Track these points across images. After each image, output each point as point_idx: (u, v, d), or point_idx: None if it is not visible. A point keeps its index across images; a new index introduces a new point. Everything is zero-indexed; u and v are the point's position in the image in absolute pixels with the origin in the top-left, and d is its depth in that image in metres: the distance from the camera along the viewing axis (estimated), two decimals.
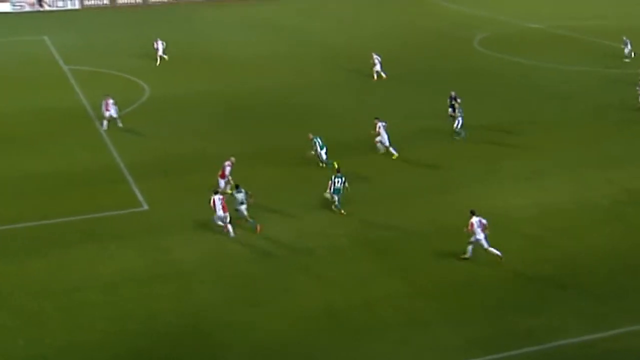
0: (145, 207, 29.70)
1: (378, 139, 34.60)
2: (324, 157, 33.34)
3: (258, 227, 27.35)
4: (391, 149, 34.52)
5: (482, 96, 44.47)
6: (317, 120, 39.69)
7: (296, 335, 21.40)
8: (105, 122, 38.11)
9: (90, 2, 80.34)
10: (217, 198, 27.02)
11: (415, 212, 29.00)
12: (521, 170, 33.08)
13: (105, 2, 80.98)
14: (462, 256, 25.24)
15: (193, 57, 55.40)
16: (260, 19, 72.47)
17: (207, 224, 27.89)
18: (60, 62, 54.04)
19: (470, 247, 25.13)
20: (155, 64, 52.07)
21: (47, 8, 78.02)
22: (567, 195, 30.48)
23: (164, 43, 53.47)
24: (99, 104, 39.27)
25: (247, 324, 21.87)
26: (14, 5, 77.56)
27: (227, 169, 30.26)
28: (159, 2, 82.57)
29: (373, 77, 48.23)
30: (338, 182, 28.51)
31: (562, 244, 26.47)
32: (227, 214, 26.94)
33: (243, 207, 27.52)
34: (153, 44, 53.43)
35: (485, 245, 24.90)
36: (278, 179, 32.29)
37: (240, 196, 27.49)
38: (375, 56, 48.79)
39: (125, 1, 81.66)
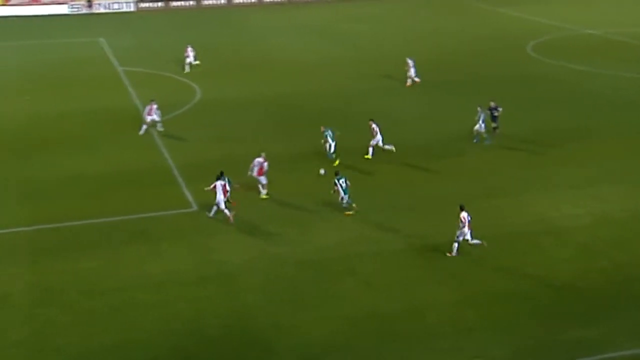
0: (195, 208, 30.09)
1: (373, 142, 34.88)
2: (332, 150, 34.23)
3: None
4: (386, 146, 34.84)
5: (535, 102, 43.93)
6: (365, 125, 39.75)
7: (341, 341, 21.44)
8: (144, 127, 38.42)
9: (145, 5, 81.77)
10: (219, 184, 28.54)
11: None
12: (573, 178, 32.61)
13: (159, 4, 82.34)
14: (448, 254, 25.65)
15: (245, 60, 55.94)
16: (313, 23, 72.78)
17: (255, 226, 28.19)
18: (115, 63, 55.11)
19: (456, 245, 25.60)
20: (183, 72, 51.22)
21: (95, 10, 79.48)
22: (620, 205, 29.92)
23: (195, 50, 52.65)
24: (151, 103, 39.84)
25: (291, 327, 22.00)
26: (71, 8, 79.33)
27: (265, 165, 30.58)
28: (212, 4, 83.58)
29: (406, 82, 47.92)
30: (343, 183, 28.98)
31: (613, 254, 26.01)
32: (225, 199, 28.50)
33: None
34: (184, 51, 52.46)
35: (470, 239, 25.41)
36: (327, 183, 32.35)
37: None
38: (409, 61, 48.51)
39: (179, 4, 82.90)
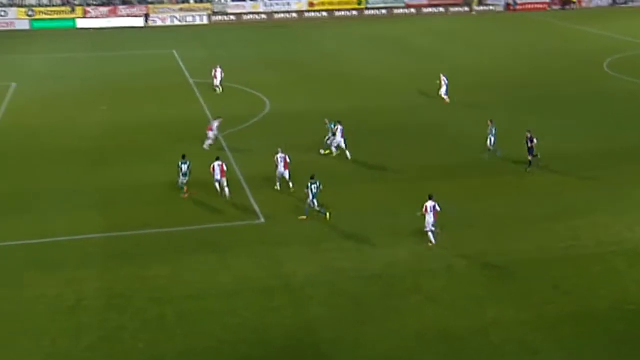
0: (262, 219, 30.51)
1: (334, 142, 37.03)
2: (333, 144, 37.00)
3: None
4: (347, 152, 36.90)
5: (610, 120, 43.06)
6: (437, 141, 39.72)
7: (405, 357, 21.42)
8: (208, 142, 38.66)
9: (217, 18, 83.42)
10: (217, 164, 32.00)
11: (533, 237, 28.40)
12: None
13: (231, 18, 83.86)
14: (429, 244, 27.47)
15: (315, 74, 56.48)
16: (386, 37, 73.00)
17: (321, 239, 28.43)
18: (187, 75, 56.35)
19: (430, 235, 27.61)
20: (216, 93, 50.21)
21: (169, 23, 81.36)
22: None
23: (223, 72, 50.77)
24: (215, 119, 40.53)
25: (355, 341, 22.08)
26: (147, 20, 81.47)
27: (287, 158, 32.78)
28: (284, 18, 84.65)
29: (443, 99, 47.45)
30: (315, 188, 29.76)
31: None
32: (225, 179, 31.89)
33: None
34: (211, 72, 50.91)
35: (432, 229, 27.68)
36: (397, 197, 32.42)
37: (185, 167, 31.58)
38: (442, 78, 48.18)
39: (251, 17, 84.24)
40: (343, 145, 37.04)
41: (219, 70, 50.50)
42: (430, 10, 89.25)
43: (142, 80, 53.71)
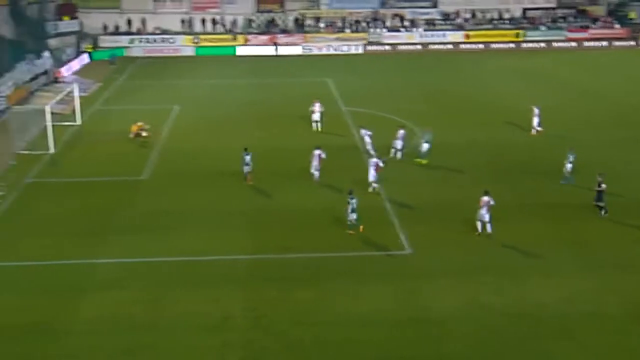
0: (408, 250, 30.26)
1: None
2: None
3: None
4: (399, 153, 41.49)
5: None
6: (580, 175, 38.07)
7: None
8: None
9: (372, 48, 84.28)
10: (316, 153, 37.21)
11: None
12: None
13: (386, 48, 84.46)
14: (476, 233, 30.19)
15: (467, 105, 55.78)
16: (542, 71, 71.03)
17: (468, 273, 27.83)
18: (340, 103, 57.16)
19: (478, 223, 30.68)
20: (314, 130, 49.20)
21: (325, 51, 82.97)
22: None
23: (323, 106, 49.58)
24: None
25: None
26: (304, 49, 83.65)
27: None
28: (439, 49, 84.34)
29: (531, 131, 46.80)
30: (354, 203, 31.30)
31: None
32: (318, 166, 36.67)
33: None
34: (311, 106, 49.65)
35: (488, 223, 30.58)
36: (548, 235, 31.26)
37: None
38: (535, 109, 46.96)
39: (406, 48, 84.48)
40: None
41: (317, 105, 49.43)
42: (592, 44, 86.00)
43: (295, 106, 54.82)
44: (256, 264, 29.33)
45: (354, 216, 31.45)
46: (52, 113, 46.08)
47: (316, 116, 48.83)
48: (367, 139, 42.30)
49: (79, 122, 51.04)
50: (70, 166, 41.94)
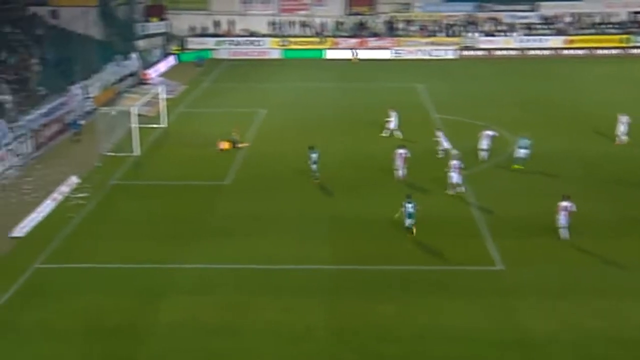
0: (500, 266, 29.69)
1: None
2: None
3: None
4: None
5: None
6: None
7: None
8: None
9: (466, 53, 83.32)
10: (400, 152, 38.83)
11: None
12: None
13: (481, 53, 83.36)
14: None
15: (565, 113, 54.50)
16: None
17: (565, 292, 27.14)
18: (431, 109, 56.69)
19: (560, 231, 31.39)
20: (385, 135, 48.69)
21: (415, 56, 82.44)
22: None
23: (398, 116, 48.73)
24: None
25: None
26: (394, 53, 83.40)
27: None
28: (538, 55, 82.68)
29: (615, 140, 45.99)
30: (410, 207, 31.89)
31: None
32: (402, 165, 38.73)
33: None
34: (388, 114, 49.29)
35: (563, 229, 31.40)
36: None
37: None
38: (621, 118, 45.97)
39: (502, 53, 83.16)
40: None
41: (393, 113, 49.19)
42: None
43: (383, 112, 54.66)
44: (338, 274, 29.33)
45: (410, 221, 32.06)
46: (138, 115, 47.46)
47: (392, 124, 48.76)
48: (443, 141, 43.25)
49: (164, 124, 52.37)
50: (154, 169, 43.05)
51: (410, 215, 32.08)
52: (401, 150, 39.57)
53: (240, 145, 46.57)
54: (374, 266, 29.96)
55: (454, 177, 37.02)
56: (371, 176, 40.72)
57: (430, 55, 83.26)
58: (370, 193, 38.15)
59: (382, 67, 77.32)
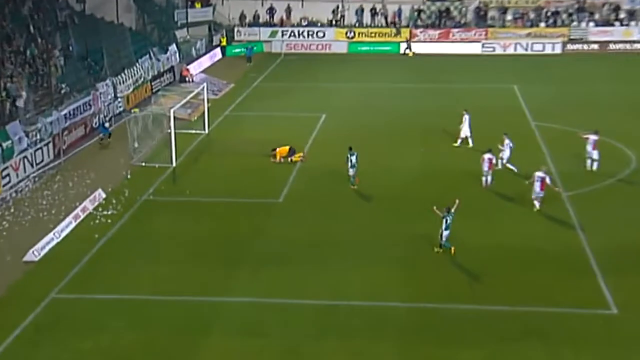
0: (613, 310, 29.16)
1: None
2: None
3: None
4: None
5: None
6: None
7: None
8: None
9: (574, 47, 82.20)
10: (487, 157, 40.85)
11: None
12: None
13: (592, 47, 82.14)
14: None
15: None
16: None
17: None
18: (528, 116, 56.09)
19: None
20: (456, 144, 49.00)
21: (510, 51, 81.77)
22: None
23: (469, 119, 48.87)
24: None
25: None
26: (484, 47, 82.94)
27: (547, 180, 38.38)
28: None
29: None
30: (449, 219, 33.35)
31: None
32: (491, 170, 40.76)
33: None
34: (462, 116, 49.06)
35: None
36: None
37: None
38: None
39: (619, 47, 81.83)
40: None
41: (466, 116, 49.03)
42: None
43: (472, 119, 54.36)
44: (414, 312, 29.21)
45: (446, 233, 33.63)
46: (176, 118, 48.08)
47: (465, 131, 48.89)
48: (508, 151, 43.97)
49: (206, 130, 52.96)
50: (194, 183, 43.53)
51: (447, 228, 33.57)
52: (488, 156, 41.11)
53: (296, 157, 46.66)
54: (457, 304, 29.69)
55: (536, 190, 38.28)
56: (455, 194, 40.28)
57: (530, 50, 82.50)
58: (460, 215, 37.71)
59: (469, 65, 76.94)
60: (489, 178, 41.33)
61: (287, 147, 46.66)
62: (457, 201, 34.13)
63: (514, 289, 30.73)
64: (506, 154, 43.76)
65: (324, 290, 30.79)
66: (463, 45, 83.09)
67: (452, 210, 33.70)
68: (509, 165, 43.46)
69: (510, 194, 40.27)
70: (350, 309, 29.51)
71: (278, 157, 46.40)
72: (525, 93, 63.28)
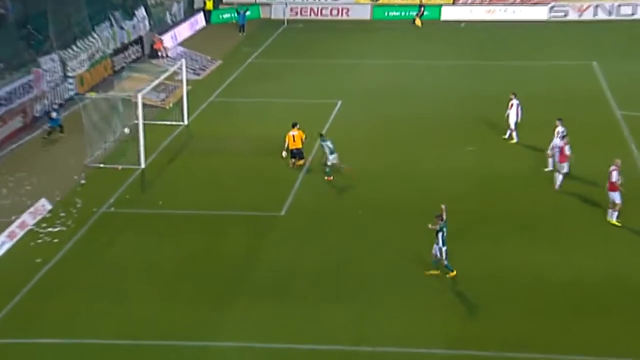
0: None
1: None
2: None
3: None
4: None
5: None
6: None
7: None
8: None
9: None
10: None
11: None
12: None
13: None
14: None
15: None
16: None
17: None
18: (612, 103, 56.12)
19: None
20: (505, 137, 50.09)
21: (587, 17, 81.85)
22: None
23: (521, 108, 49.56)
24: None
25: None
26: (552, 11, 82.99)
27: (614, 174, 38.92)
28: None
29: None
30: (445, 231, 34.22)
31: None
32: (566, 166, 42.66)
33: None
34: (509, 101, 49.79)
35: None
36: None
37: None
38: None
39: None
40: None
41: (514, 102, 49.57)
42: None
43: (534, 107, 54.35)
44: None
45: (442, 250, 34.38)
46: (146, 105, 48.19)
47: (512, 120, 49.63)
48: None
49: (185, 121, 53.14)
50: (169, 190, 43.71)
51: (444, 243, 34.30)
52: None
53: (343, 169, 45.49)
54: (515, 353, 29.68)
55: (616, 198, 38.76)
56: (510, 209, 40.53)
57: (614, 15, 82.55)
58: (513, 232, 38.27)
59: (531, 35, 77.12)
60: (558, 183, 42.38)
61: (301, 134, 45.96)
62: (443, 207, 34.35)
63: (578, 331, 30.82)
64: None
65: (340, 332, 30.86)
66: (523, 10, 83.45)
67: (445, 219, 34.25)
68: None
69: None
70: (372, 357, 29.57)
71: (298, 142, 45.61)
72: (607, 72, 63.45)
